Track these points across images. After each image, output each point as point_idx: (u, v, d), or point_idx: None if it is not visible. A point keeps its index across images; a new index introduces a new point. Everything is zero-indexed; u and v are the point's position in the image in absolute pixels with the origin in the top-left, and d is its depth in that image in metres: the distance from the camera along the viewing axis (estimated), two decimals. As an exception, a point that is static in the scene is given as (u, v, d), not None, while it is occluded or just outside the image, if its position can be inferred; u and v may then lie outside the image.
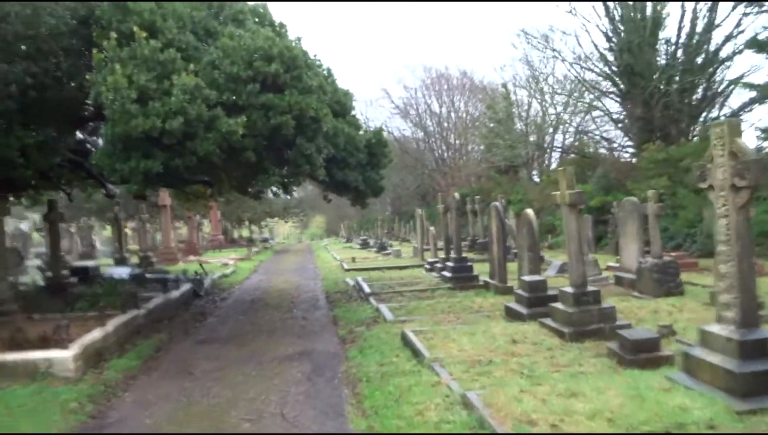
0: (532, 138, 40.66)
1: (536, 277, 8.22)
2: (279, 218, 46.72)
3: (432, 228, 15.56)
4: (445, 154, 56.57)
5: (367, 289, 11.95)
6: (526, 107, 41.95)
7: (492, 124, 45.05)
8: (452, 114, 56.01)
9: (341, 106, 12.03)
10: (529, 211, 9.44)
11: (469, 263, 12.25)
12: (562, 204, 7.10)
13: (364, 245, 31.07)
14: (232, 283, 16.36)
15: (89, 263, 13.99)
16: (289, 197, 13.52)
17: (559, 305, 6.90)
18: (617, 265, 11.41)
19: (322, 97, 9.75)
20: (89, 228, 37.51)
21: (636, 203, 10.58)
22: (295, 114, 8.69)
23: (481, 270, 12.31)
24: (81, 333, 7.22)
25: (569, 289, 6.84)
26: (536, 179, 40.29)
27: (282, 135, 8.63)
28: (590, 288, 6.88)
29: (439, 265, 13.71)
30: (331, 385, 6.09)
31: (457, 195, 12.18)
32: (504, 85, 43.77)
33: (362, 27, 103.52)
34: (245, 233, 47.90)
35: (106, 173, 7.58)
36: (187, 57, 8.04)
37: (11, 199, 12.06)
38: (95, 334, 7.18)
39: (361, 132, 12.19)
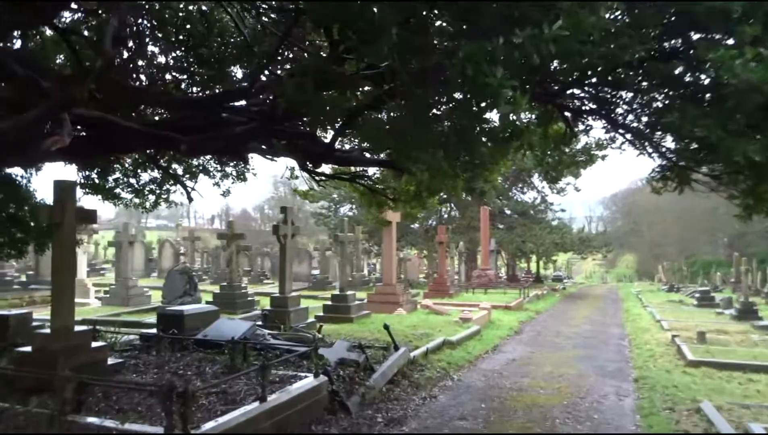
0: None
1: None
2: (574, 252, 37.05)
3: None
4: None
5: None
6: None
7: None
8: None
9: None
10: None
11: None
12: None
13: (704, 300, 19.95)
14: (451, 364, 8.55)
15: (188, 308, 7.86)
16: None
17: None
18: None
19: None
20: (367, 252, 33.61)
21: None
22: None
23: None
24: None
25: None
26: None
27: None
28: None
29: None
30: None
31: None
32: None
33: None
34: (534, 268, 39.55)
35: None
36: None
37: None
38: None
39: None
